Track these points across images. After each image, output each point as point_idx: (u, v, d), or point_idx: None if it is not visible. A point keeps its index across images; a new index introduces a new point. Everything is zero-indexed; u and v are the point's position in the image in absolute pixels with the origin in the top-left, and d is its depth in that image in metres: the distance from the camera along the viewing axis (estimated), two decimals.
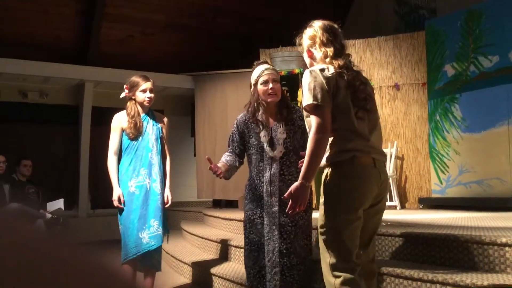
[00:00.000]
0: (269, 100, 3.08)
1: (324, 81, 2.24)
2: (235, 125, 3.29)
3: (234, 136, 3.28)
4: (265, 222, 3.08)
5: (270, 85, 3.05)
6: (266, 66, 3.15)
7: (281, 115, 3.12)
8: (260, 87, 3.08)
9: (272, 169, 3.08)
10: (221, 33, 8.54)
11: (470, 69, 5.71)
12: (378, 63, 6.45)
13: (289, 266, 3.01)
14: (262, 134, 3.12)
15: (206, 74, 7.85)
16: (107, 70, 7.89)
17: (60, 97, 8.23)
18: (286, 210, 2.26)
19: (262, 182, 3.11)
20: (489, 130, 5.46)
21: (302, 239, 3.06)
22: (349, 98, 2.28)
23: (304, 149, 3.05)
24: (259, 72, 3.10)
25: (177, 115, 8.35)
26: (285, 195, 2.27)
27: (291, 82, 6.37)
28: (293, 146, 3.10)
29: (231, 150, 3.28)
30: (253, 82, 3.14)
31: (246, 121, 3.21)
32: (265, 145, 3.10)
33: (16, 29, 7.34)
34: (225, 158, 3.24)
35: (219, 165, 3.14)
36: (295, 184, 2.25)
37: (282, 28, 7.81)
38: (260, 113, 3.13)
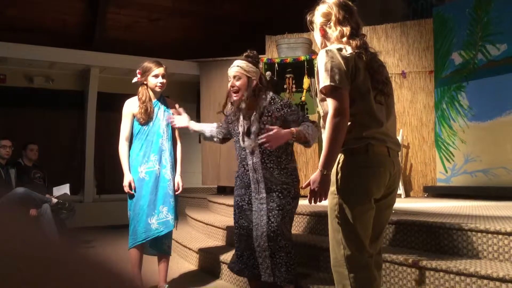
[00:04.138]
0: (233, 98, 3.21)
1: (342, 62, 2.08)
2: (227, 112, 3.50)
3: (224, 119, 3.51)
4: (253, 209, 3.18)
5: (229, 84, 3.20)
6: (235, 62, 3.25)
7: (258, 107, 3.19)
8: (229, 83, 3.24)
9: (254, 158, 3.18)
10: (228, 19, 8.49)
11: (478, 57, 5.67)
12: (385, 51, 6.40)
13: (278, 248, 3.09)
14: (240, 124, 3.25)
15: (211, 61, 7.83)
16: (113, 55, 7.89)
17: (66, 83, 8.24)
18: (308, 201, 2.19)
19: (247, 170, 3.22)
20: (496, 119, 5.43)
21: (288, 223, 3.17)
22: (368, 81, 2.15)
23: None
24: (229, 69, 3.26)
25: (182, 102, 8.34)
26: (304, 185, 2.20)
27: (297, 69, 6.34)
28: None
29: (218, 126, 3.55)
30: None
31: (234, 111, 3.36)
32: (240, 136, 3.22)
33: (22, 13, 7.34)
34: (208, 124, 3.60)
35: (193, 124, 3.58)
36: (314, 173, 2.13)
37: (289, 14, 7.77)
38: (241, 105, 3.23)
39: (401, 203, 4.88)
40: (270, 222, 3.10)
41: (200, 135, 3.57)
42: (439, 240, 3.06)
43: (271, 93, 3.24)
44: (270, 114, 3.16)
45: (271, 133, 2.85)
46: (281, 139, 2.93)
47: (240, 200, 3.27)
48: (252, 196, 3.19)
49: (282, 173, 3.14)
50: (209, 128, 3.55)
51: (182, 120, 3.58)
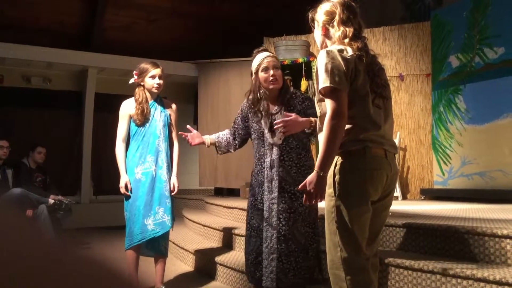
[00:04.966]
0: (270, 87, 3.11)
1: (342, 63, 2.06)
2: (240, 109, 3.39)
3: (237, 118, 3.39)
4: (264, 208, 3.10)
5: (271, 72, 3.08)
6: (267, 53, 3.18)
7: (282, 102, 3.15)
8: (261, 74, 3.12)
9: (273, 155, 3.11)
10: (226, 21, 8.49)
11: (475, 60, 5.68)
12: (382, 53, 6.41)
13: (287, 253, 3.03)
14: (263, 120, 3.15)
15: (210, 62, 7.83)
16: (110, 56, 7.88)
17: (64, 83, 8.23)
18: (303, 202, 2.19)
19: (263, 168, 3.14)
20: (493, 122, 5.44)
21: (302, 226, 3.07)
22: (368, 83, 2.14)
23: (307, 134, 3.12)
24: (260, 59, 3.13)
25: (180, 103, 8.33)
26: (299, 186, 2.18)
27: (295, 71, 6.35)
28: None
29: (232, 130, 3.40)
30: (253, 70, 3.17)
31: (250, 106, 3.26)
32: (266, 131, 3.13)
33: (20, 13, 7.33)
34: (220, 133, 3.43)
35: (207, 136, 3.41)
36: (311, 175, 2.12)
37: (287, 16, 7.79)
38: (261, 100, 3.16)
39: (398, 206, 4.89)
40: (280, 224, 3.04)
41: (216, 148, 3.42)
42: (436, 242, 3.06)
43: (292, 87, 3.24)
44: (292, 107, 3.12)
45: (288, 118, 2.76)
46: (298, 125, 2.82)
47: (254, 199, 3.19)
48: (264, 195, 3.12)
49: (299, 172, 3.08)
50: (224, 137, 3.40)
51: (197, 137, 3.40)
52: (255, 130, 3.22)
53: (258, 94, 3.15)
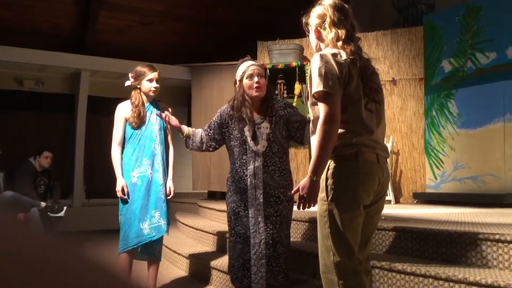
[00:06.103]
0: (254, 94, 3.11)
1: (336, 67, 2.08)
2: (218, 114, 3.33)
3: (213, 123, 3.32)
4: (250, 215, 3.10)
5: (256, 79, 3.10)
6: (252, 62, 3.21)
7: (265, 110, 3.15)
8: (245, 81, 3.13)
9: (256, 162, 3.10)
10: (220, 25, 8.50)
11: (467, 65, 5.72)
12: (375, 58, 6.43)
13: (276, 256, 3.05)
14: (246, 128, 3.14)
15: (203, 66, 7.83)
16: (104, 59, 7.85)
17: (56, 86, 8.19)
18: (296, 207, 2.18)
19: (246, 175, 3.13)
20: (485, 127, 5.47)
21: (286, 228, 3.13)
22: (361, 88, 2.15)
23: (287, 139, 3.12)
24: (245, 67, 3.16)
25: (174, 106, 8.32)
26: (292, 191, 2.18)
27: (289, 75, 6.36)
28: (275, 137, 3.13)
29: (207, 132, 3.32)
30: (238, 78, 3.18)
31: (231, 113, 3.24)
32: (249, 139, 3.12)
33: (13, 16, 7.30)
34: (196, 129, 3.35)
35: (185, 127, 3.34)
36: (304, 179, 2.12)
37: (281, 20, 7.81)
38: (244, 108, 3.14)
39: (391, 209, 4.90)
40: (268, 229, 3.05)
41: (186, 142, 3.35)
42: (428, 246, 3.07)
43: (285, 92, 3.27)
44: (274, 113, 3.13)
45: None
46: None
47: (236, 206, 3.16)
48: (248, 202, 3.11)
49: (282, 175, 3.11)
50: (199, 134, 3.33)
51: (175, 120, 3.36)
52: (236, 137, 3.18)
53: (242, 101, 3.14)
